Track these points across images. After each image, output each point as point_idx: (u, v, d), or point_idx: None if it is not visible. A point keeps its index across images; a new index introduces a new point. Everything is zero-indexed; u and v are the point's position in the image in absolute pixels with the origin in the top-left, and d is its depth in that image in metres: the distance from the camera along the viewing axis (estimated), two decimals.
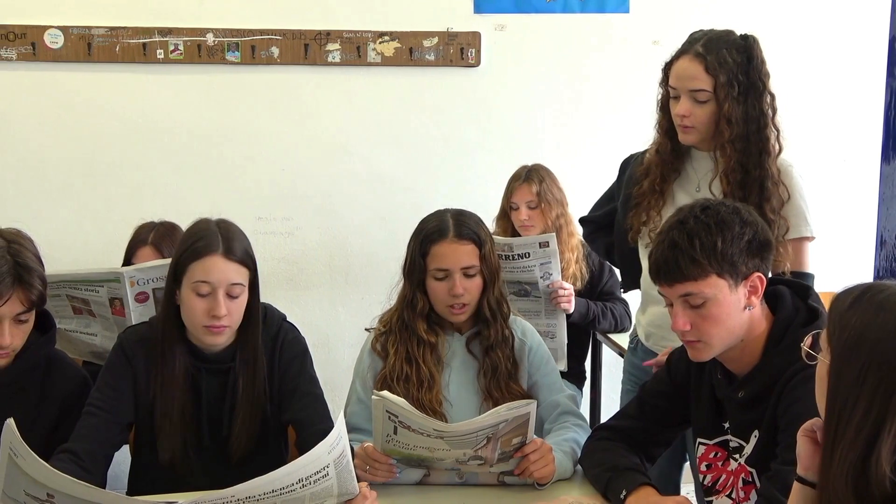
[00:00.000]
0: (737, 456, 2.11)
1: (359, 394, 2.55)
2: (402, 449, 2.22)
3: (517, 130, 4.34)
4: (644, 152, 2.80)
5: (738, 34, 2.61)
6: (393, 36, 4.24)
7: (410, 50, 4.26)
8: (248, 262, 2.35)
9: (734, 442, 2.12)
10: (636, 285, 2.83)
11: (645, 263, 2.68)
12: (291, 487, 1.85)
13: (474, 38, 4.29)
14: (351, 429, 2.53)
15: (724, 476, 2.15)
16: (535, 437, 2.26)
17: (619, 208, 2.81)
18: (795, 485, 1.65)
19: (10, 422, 1.74)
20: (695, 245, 1.97)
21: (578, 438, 2.43)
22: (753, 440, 2.06)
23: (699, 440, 2.22)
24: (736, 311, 2.01)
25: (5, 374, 2.34)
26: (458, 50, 4.28)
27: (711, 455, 2.18)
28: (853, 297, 1.56)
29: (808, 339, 1.65)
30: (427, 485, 2.33)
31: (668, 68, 2.61)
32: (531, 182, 3.63)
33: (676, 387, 2.26)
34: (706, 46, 2.54)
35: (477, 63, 4.30)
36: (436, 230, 2.52)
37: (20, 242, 2.30)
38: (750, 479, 2.08)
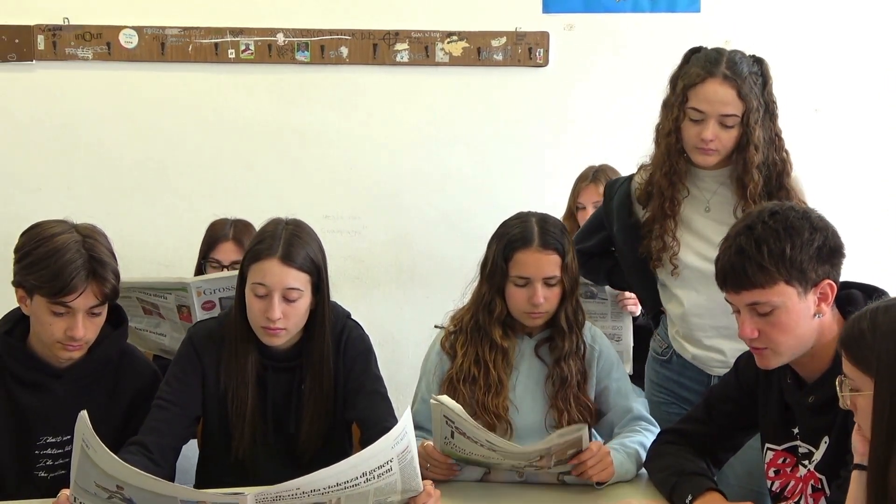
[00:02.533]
0: (806, 462, 2.08)
1: (423, 393, 2.56)
2: (459, 453, 2.23)
3: (585, 131, 4.31)
4: (629, 178, 2.75)
5: (749, 55, 2.56)
6: (461, 36, 4.24)
7: (478, 50, 4.26)
8: (310, 267, 2.36)
9: (803, 448, 2.08)
10: (658, 306, 2.78)
11: (679, 292, 2.65)
12: (356, 481, 1.86)
13: (542, 38, 4.27)
14: (415, 427, 2.54)
15: (792, 482, 2.11)
16: (592, 441, 2.25)
17: (620, 236, 2.75)
18: (854, 473, 1.65)
19: (84, 414, 1.78)
20: (763, 252, 1.93)
21: (645, 441, 2.41)
22: (823, 446, 2.02)
23: (767, 445, 2.19)
24: (805, 319, 1.97)
25: (79, 368, 2.39)
26: (527, 50, 4.27)
27: (780, 461, 2.15)
28: (869, 325, 1.64)
29: (840, 383, 1.71)
30: (488, 482, 2.33)
31: (686, 90, 2.52)
32: (598, 182, 3.61)
33: (745, 391, 2.23)
34: (732, 70, 2.49)
35: (545, 63, 4.28)
36: (520, 237, 2.48)
37: (94, 237, 2.34)
38: (819, 486, 2.04)
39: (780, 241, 1.93)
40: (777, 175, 2.55)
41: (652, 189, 2.64)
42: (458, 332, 2.56)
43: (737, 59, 2.51)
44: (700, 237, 2.60)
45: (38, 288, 2.27)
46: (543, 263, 2.45)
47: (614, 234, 2.76)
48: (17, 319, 2.41)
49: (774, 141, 2.55)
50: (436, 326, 2.66)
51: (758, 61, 2.55)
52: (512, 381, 2.52)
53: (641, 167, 2.71)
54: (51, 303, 2.27)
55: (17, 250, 2.34)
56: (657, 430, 2.50)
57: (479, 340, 2.51)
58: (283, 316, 2.33)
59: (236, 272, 2.70)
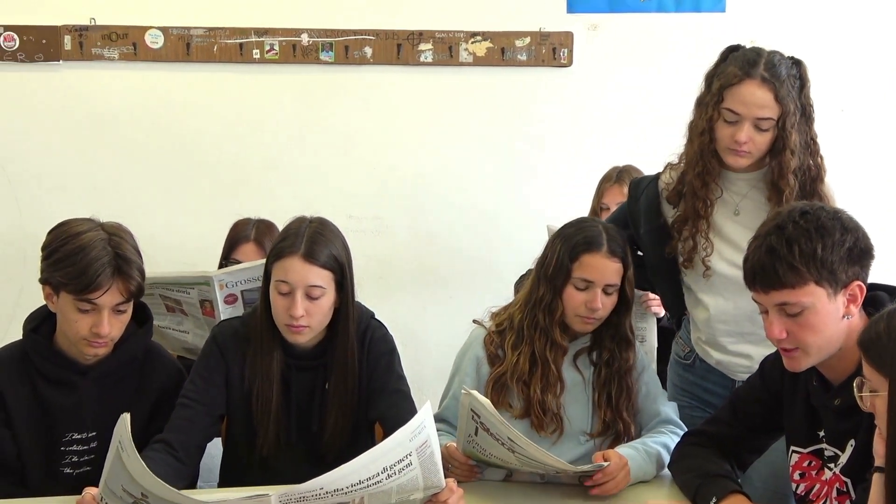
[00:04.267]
0: (831, 465, 2.06)
1: (455, 389, 2.55)
2: (480, 454, 2.23)
3: (609, 131, 4.30)
4: (656, 177, 2.72)
5: (787, 56, 2.51)
6: (485, 36, 4.24)
7: (502, 50, 4.26)
8: (333, 265, 2.36)
9: (829, 451, 2.07)
10: (683, 310, 2.76)
11: (704, 297, 2.63)
12: (377, 478, 1.86)
13: (567, 38, 4.26)
14: (442, 421, 2.55)
15: (817, 486, 2.10)
16: (613, 453, 2.26)
17: (648, 237, 2.71)
18: (874, 476, 1.65)
19: (126, 417, 1.79)
20: (794, 251, 1.92)
21: (668, 443, 2.41)
22: (849, 449, 2.01)
23: (792, 448, 2.17)
24: (834, 321, 1.95)
25: (105, 365, 2.41)
26: (551, 50, 4.26)
27: (805, 464, 2.14)
28: (885, 327, 1.65)
29: (859, 385, 1.71)
30: (511, 482, 2.35)
31: (721, 90, 2.47)
32: (622, 183, 3.59)
33: (770, 393, 2.21)
34: (771, 72, 2.43)
35: (569, 63, 4.27)
36: (590, 240, 2.46)
37: (120, 235, 2.36)
38: (845, 490, 2.02)
39: (812, 241, 1.92)
40: (811, 181, 2.51)
41: (683, 188, 2.60)
42: (505, 330, 2.55)
43: (775, 61, 2.45)
44: (728, 242, 2.57)
45: (64, 285, 2.29)
46: (608, 270, 2.44)
47: (640, 236, 2.73)
48: (44, 317, 2.43)
49: (810, 145, 2.50)
50: (474, 321, 2.64)
51: (796, 63, 2.50)
52: (571, 383, 2.52)
53: (669, 166, 2.68)
54: (77, 300, 2.29)
55: (43, 248, 2.37)
56: (677, 433, 2.49)
57: (537, 339, 2.49)
58: (306, 313, 2.33)
59: (257, 262, 2.72)
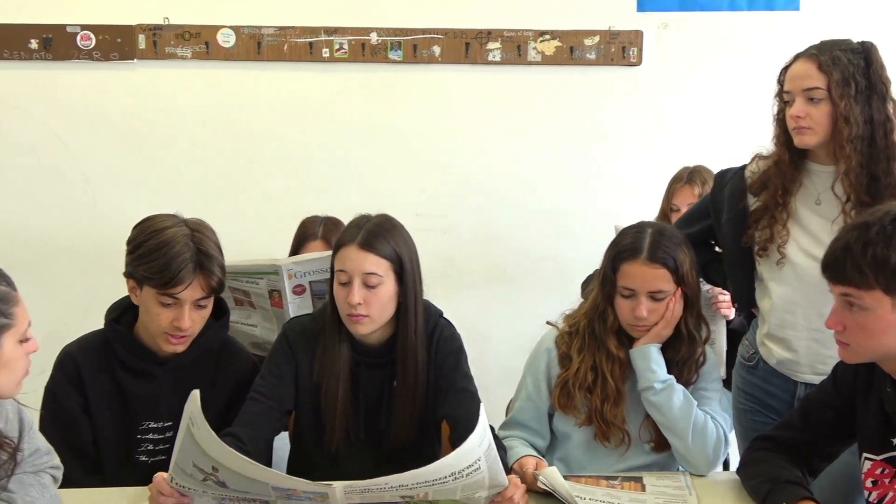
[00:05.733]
0: None
1: (528, 390, 2.55)
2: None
3: (679, 131, 4.26)
4: (742, 168, 2.70)
5: (856, 41, 2.50)
6: (554, 35, 4.22)
7: (571, 49, 4.24)
8: (390, 254, 2.37)
9: None
10: (753, 304, 2.73)
11: (774, 286, 2.60)
12: (444, 479, 1.87)
13: (636, 37, 4.23)
14: (516, 425, 2.56)
15: (890, 494, 2.06)
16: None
17: (728, 226, 2.69)
18: None
19: (196, 393, 1.83)
20: (867, 254, 1.89)
21: (711, 422, 2.43)
22: None
23: (865, 455, 2.13)
24: (893, 330, 1.92)
25: (182, 356, 2.45)
26: (620, 49, 4.23)
27: (878, 471, 2.09)
28: None
29: None
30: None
31: (782, 77, 2.53)
32: (693, 184, 3.56)
33: (843, 398, 2.17)
34: (819, 48, 2.46)
35: (639, 62, 4.24)
36: (629, 248, 2.46)
37: (202, 231, 2.41)
38: None
39: (889, 248, 1.88)
40: (886, 159, 2.45)
41: (766, 179, 2.60)
42: (573, 334, 2.55)
43: (829, 42, 2.48)
44: (806, 231, 2.55)
45: (147, 279, 2.35)
46: (649, 277, 2.42)
47: (721, 225, 2.71)
48: (125, 308, 2.48)
49: (885, 123, 2.45)
50: (548, 323, 2.64)
51: (862, 44, 2.49)
52: (630, 392, 2.50)
53: (756, 157, 2.67)
54: (159, 294, 2.34)
55: (128, 242, 2.42)
56: (724, 433, 2.47)
57: (595, 348, 2.50)
58: (364, 302, 2.34)
59: (325, 253, 2.74)
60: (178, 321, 2.35)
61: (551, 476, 2.21)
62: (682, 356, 2.48)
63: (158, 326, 2.37)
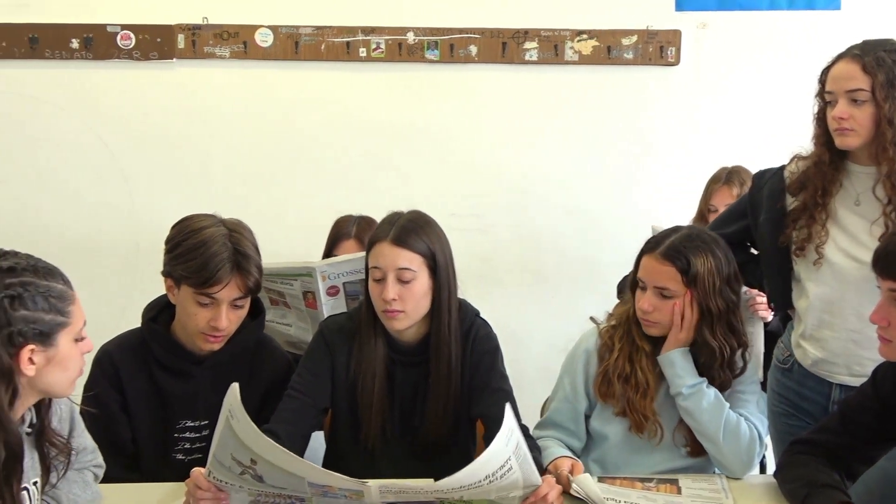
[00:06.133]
0: None
1: (565, 391, 2.55)
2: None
3: (717, 132, 4.23)
4: (781, 168, 2.68)
5: None
6: (591, 34, 4.21)
7: (608, 48, 4.22)
8: (423, 249, 2.37)
9: None
10: (789, 305, 2.70)
11: (811, 286, 2.57)
12: (479, 483, 1.87)
13: (675, 37, 4.21)
14: (552, 425, 2.55)
15: None
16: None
17: (766, 225, 2.67)
18: None
19: (235, 385, 1.84)
20: None
21: (744, 424, 2.41)
22: None
23: None
24: None
25: (218, 355, 2.48)
26: (658, 48, 4.21)
27: None
28: None
29: None
30: None
31: (823, 77, 2.50)
32: (731, 185, 3.53)
33: (883, 402, 2.15)
34: (862, 49, 2.43)
35: (677, 62, 4.22)
36: (652, 242, 2.48)
37: (240, 232, 2.43)
38: None
39: None
40: None
41: (806, 179, 2.58)
42: (617, 325, 2.56)
43: (873, 42, 2.45)
44: (845, 231, 2.52)
45: (185, 278, 2.37)
46: (656, 272, 2.42)
47: (758, 224, 2.69)
48: (163, 307, 2.51)
49: None
50: (591, 318, 2.64)
51: None
52: (662, 389, 2.49)
53: (796, 157, 2.65)
54: (196, 293, 2.36)
55: (167, 241, 2.44)
56: (759, 434, 2.45)
57: (631, 339, 2.51)
58: (399, 298, 2.35)
59: (358, 254, 2.75)
60: (215, 321, 2.37)
61: (584, 483, 2.20)
62: (706, 362, 2.46)
63: (196, 326, 2.39)
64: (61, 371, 1.87)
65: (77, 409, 2.10)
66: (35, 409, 1.94)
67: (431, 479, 1.88)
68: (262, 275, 2.43)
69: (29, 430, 1.93)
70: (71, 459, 2.04)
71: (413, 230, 2.38)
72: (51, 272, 1.86)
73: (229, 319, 2.39)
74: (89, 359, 2.46)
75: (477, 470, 1.85)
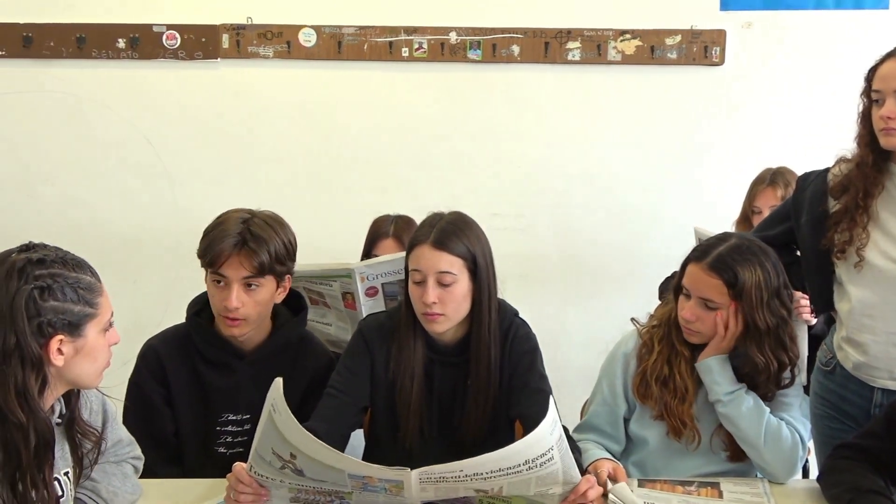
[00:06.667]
0: None
1: (604, 394, 2.54)
2: None
3: (762, 132, 4.19)
4: (825, 171, 2.64)
5: None
6: (634, 34, 4.19)
7: (652, 48, 4.20)
8: (463, 252, 2.36)
9: None
10: (830, 307, 2.66)
11: (852, 289, 2.53)
12: (518, 468, 1.86)
13: (719, 36, 4.17)
14: (591, 429, 2.54)
15: None
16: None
17: (807, 227, 2.63)
18: None
19: (279, 380, 1.85)
20: None
21: (786, 428, 2.38)
22: None
23: None
24: None
25: (261, 350, 2.51)
26: (702, 48, 4.18)
27: None
28: None
29: None
30: None
31: (870, 76, 2.46)
32: (776, 186, 3.49)
33: None
34: None
35: (721, 62, 4.18)
36: (699, 250, 2.44)
37: (261, 218, 2.47)
38: None
39: None
40: None
41: (848, 182, 2.54)
42: (658, 326, 2.53)
43: None
44: (886, 235, 2.49)
45: (202, 259, 2.43)
46: (702, 283, 2.39)
47: (800, 226, 2.66)
48: (206, 302, 2.54)
49: None
50: (632, 320, 2.62)
51: None
52: (701, 394, 2.47)
53: (840, 160, 2.61)
54: (211, 273, 2.42)
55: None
56: (801, 438, 2.42)
57: (671, 342, 2.48)
58: (439, 301, 2.34)
59: (397, 255, 2.76)
60: (225, 300, 2.40)
61: (622, 492, 2.19)
62: (749, 373, 2.43)
63: (215, 308, 2.45)
64: (90, 362, 1.89)
65: (109, 401, 2.13)
66: (64, 400, 1.97)
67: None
68: (276, 258, 2.43)
69: (59, 420, 1.96)
70: (102, 449, 2.06)
71: (453, 233, 2.38)
72: (79, 264, 1.89)
73: (241, 301, 2.41)
74: (131, 351, 2.51)
75: (518, 451, 1.84)
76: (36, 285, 1.80)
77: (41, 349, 1.81)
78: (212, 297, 2.46)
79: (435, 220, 2.42)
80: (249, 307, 2.43)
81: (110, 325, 1.94)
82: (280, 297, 2.52)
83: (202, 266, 2.44)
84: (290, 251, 2.49)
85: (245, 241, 2.39)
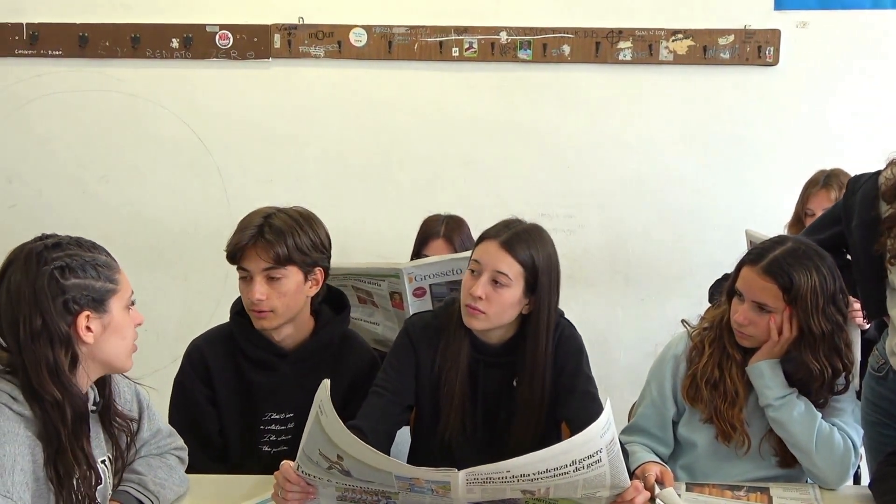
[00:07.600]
0: None
1: (653, 396, 2.52)
2: None
3: (816, 133, 4.13)
4: (877, 174, 2.58)
5: None
6: (687, 34, 4.15)
7: (704, 48, 4.16)
8: (527, 261, 2.35)
9: None
10: (882, 312, 2.60)
11: None
12: (565, 469, 1.84)
13: (773, 36, 4.12)
14: (639, 431, 2.53)
15: None
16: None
17: (858, 232, 2.57)
18: None
19: (326, 381, 1.86)
20: None
21: (838, 434, 2.34)
22: None
23: None
24: None
25: (303, 349, 2.52)
26: (756, 48, 4.13)
27: None
28: None
29: None
30: None
31: None
32: (830, 188, 3.44)
33: None
34: None
35: (775, 62, 4.13)
36: (755, 253, 2.40)
37: (288, 213, 2.47)
38: None
39: None
40: None
41: None
42: (710, 328, 2.51)
43: None
44: None
45: (227, 258, 2.45)
46: (756, 286, 2.35)
47: (851, 230, 2.61)
48: None
49: None
50: (683, 322, 2.60)
51: None
52: (753, 401, 2.44)
53: (891, 163, 2.56)
54: (238, 270, 2.44)
55: None
56: (853, 444, 2.37)
57: (722, 345, 2.45)
58: (485, 298, 2.33)
59: (446, 257, 2.75)
60: (250, 293, 2.42)
61: (669, 497, 2.17)
62: (802, 379, 2.39)
63: (245, 304, 2.47)
64: (119, 339, 1.92)
65: (142, 390, 2.15)
66: (98, 389, 1.99)
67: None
68: (297, 249, 2.43)
69: (94, 407, 1.98)
70: (139, 437, 2.10)
71: (525, 240, 2.37)
72: (94, 246, 1.93)
73: (264, 293, 2.42)
74: (181, 348, 2.53)
75: (566, 451, 1.82)
76: (56, 266, 1.83)
77: (69, 328, 1.84)
78: (241, 294, 2.48)
79: (513, 222, 2.42)
80: (274, 298, 2.44)
81: (132, 303, 1.96)
82: (312, 290, 2.51)
83: (230, 262, 2.46)
84: (316, 244, 2.47)
85: (262, 233, 2.40)
